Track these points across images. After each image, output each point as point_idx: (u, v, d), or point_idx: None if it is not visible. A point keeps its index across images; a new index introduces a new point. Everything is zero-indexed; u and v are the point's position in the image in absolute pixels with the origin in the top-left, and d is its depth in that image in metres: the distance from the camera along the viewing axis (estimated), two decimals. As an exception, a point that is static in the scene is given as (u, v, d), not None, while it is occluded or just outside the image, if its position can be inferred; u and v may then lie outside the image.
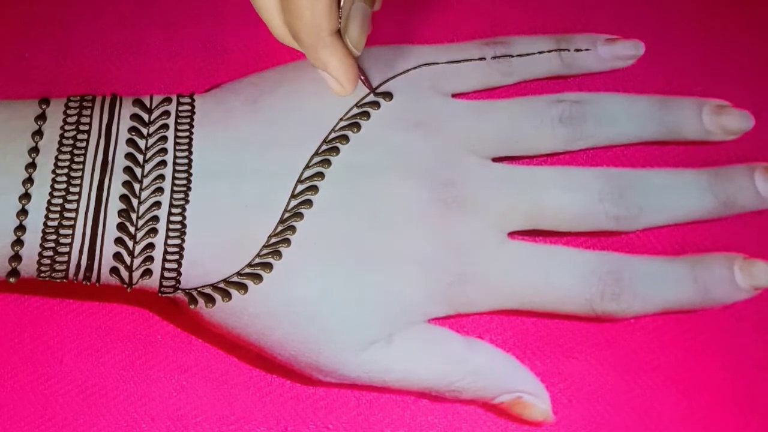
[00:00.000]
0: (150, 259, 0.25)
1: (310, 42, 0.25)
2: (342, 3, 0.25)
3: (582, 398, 0.27)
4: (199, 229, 0.25)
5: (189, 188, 0.25)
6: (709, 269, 0.26)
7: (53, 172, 0.25)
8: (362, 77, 0.27)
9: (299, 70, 0.28)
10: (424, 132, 0.27)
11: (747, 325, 0.28)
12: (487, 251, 0.26)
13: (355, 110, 0.27)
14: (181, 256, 0.25)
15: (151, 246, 0.25)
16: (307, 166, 0.26)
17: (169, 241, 0.25)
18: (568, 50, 0.29)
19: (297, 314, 0.25)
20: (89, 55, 0.32)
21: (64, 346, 0.28)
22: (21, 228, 0.24)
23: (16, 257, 0.24)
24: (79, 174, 0.25)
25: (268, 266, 0.25)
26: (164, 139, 0.26)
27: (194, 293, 0.25)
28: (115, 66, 0.32)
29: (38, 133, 0.25)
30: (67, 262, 0.24)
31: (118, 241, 0.24)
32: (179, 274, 0.25)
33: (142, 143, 0.25)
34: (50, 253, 0.24)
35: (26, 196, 0.24)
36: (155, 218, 0.25)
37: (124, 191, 0.25)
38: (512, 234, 0.26)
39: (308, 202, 0.25)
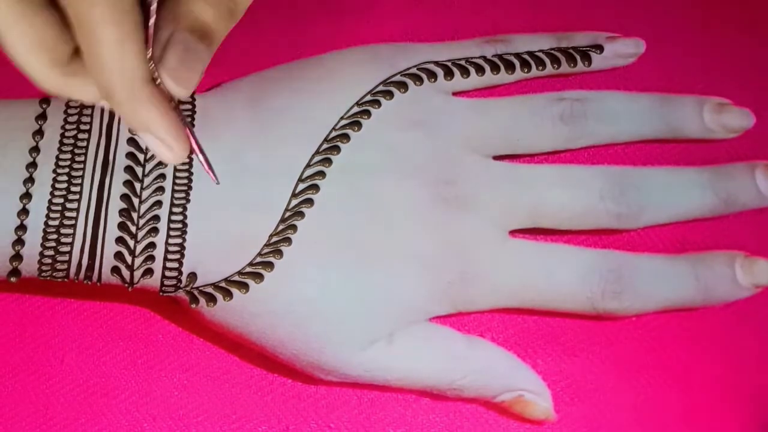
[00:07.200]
0: (151, 258, 0.25)
1: (127, 97, 0.19)
2: (150, 31, 0.19)
3: (584, 396, 0.27)
4: (200, 228, 0.25)
5: (190, 187, 0.25)
6: (711, 267, 0.26)
7: (54, 171, 0.25)
8: (194, 142, 0.22)
9: (300, 70, 0.28)
10: (424, 130, 0.27)
11: (748, 323, 0.28)
12: (488, 250, 0.26)
13: (356, 109, 0.27)
14: (183, 255, 0.25)
15: (152, 245, 0.24)
16: (308, 165, 0.26)
17: (171, 241, 0.25)
18: (569, 48, 0.29)
19: (298, 313, 0.25)
20: (89, 55, 0.32)
21: (65, 345, 0.28)
22: (22, 227, 0.24)
23: (17, 256, 0.24)
24: (79, 173, 0.25)
25: (270, 265, 0.25)
26: (165, 138, 0.26)
27: (195, 292, 0.25)
28: (115, 65, 0.32)
29: (39, 133, 0.25)
30: (68, 262, 0.24)
31: (119, 240, 0.24)
32: (180, 273, 0.25)
33: (142, 142, 0.25)
34: (51, 252, 0.24)
35: (27, 196, 0.24)
36: (156, 217, 0.25)
37: (125, 190, 0.25)
38: (513, 232, 0.26)
39: (309, 201, 0.25)
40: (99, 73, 0.19)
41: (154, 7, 0.19)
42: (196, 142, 0.22)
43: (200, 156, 0.22)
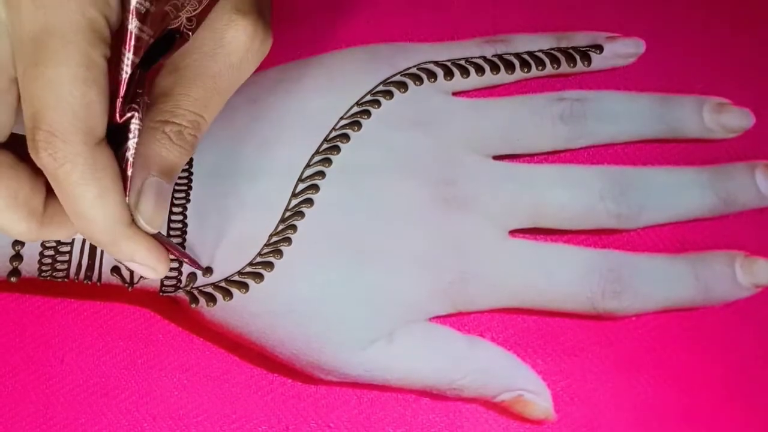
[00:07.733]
0: (151, 258, 0.25)
1: (110, 240, 0.20)
2: (130, 178, 0.20)
3: (583, 396, 0.27)
4: (199, 228, 0.25)
5: (190, 187, 0.25)
6: (710, 267, 0.26)
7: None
8: (173, 252, 0.23)
9: (300, 69, 0.28)
10: (424, 130, 0.27)
11: (748, 322, 0.28)
12: (488, 249, 0.26)
13: (356, 108, 0.27)
14: (182, 255, 0.25)
15: (152, 245, 0.24)
16: (307, 165, 0.26)
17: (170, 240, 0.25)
18: (568, 48, 0.29)
19: (298, 313, 0.25)
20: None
21: (65, 345, 0.28)
22: (22, 227, 0.24)
23: (18, 256, 0.24)
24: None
25: (270, 265, 0.25)
26: (165, 137, 0.26)
27: (195, 292, 0.25)
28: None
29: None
30: (68, 262, 0.24)
31: (119, 240, 0.24)
32: (180, 273, 0.25)
33: None
34: (51, 252, 0.24)
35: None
36: (156, 217, 0.25)
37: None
38: (513, 232, 0.26)
39: (309, 201, 0.25)
40: (82, 225, 0.20)
41: (131, 161, 0.20)
42: (178, 251, 0.23)
43: (186, 261, 0.24)
